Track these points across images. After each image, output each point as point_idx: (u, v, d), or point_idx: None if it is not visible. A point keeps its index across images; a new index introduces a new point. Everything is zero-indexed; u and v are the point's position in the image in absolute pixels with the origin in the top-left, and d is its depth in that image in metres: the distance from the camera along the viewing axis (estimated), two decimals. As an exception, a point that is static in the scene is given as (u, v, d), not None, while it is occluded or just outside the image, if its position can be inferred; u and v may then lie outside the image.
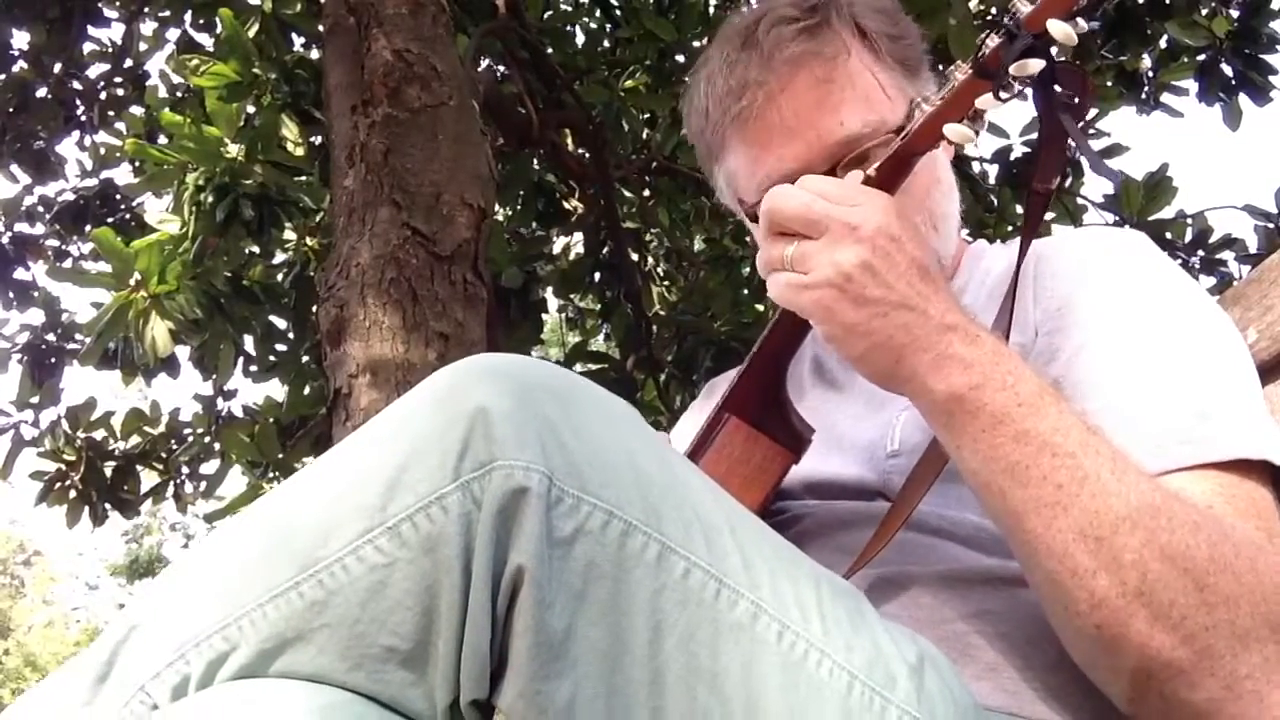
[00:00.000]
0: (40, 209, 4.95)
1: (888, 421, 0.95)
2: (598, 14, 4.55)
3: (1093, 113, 4.30)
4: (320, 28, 3.16)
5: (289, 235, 3.84)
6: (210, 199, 3.27)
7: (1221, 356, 0.86)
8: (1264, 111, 4.15)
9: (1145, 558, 0.70)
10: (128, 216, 4.74)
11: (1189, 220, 4.13)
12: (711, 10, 4.36)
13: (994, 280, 1.02)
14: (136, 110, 4.70)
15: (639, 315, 4.29)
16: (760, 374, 0.95)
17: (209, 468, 4.59)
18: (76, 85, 4.81)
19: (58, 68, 4.59)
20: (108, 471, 4.34)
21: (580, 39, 4.57)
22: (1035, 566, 0.75)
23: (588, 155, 4.29)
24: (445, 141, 2.53)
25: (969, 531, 0.88)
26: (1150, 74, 4.35)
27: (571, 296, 5.19)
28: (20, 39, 4.63)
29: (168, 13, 4.47)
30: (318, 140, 3.63)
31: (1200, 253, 4.09)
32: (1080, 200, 4.26)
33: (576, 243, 5.20)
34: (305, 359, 4.15)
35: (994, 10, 3.96)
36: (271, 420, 4.16)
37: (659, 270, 5.23)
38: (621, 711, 0.62)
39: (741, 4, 4.55)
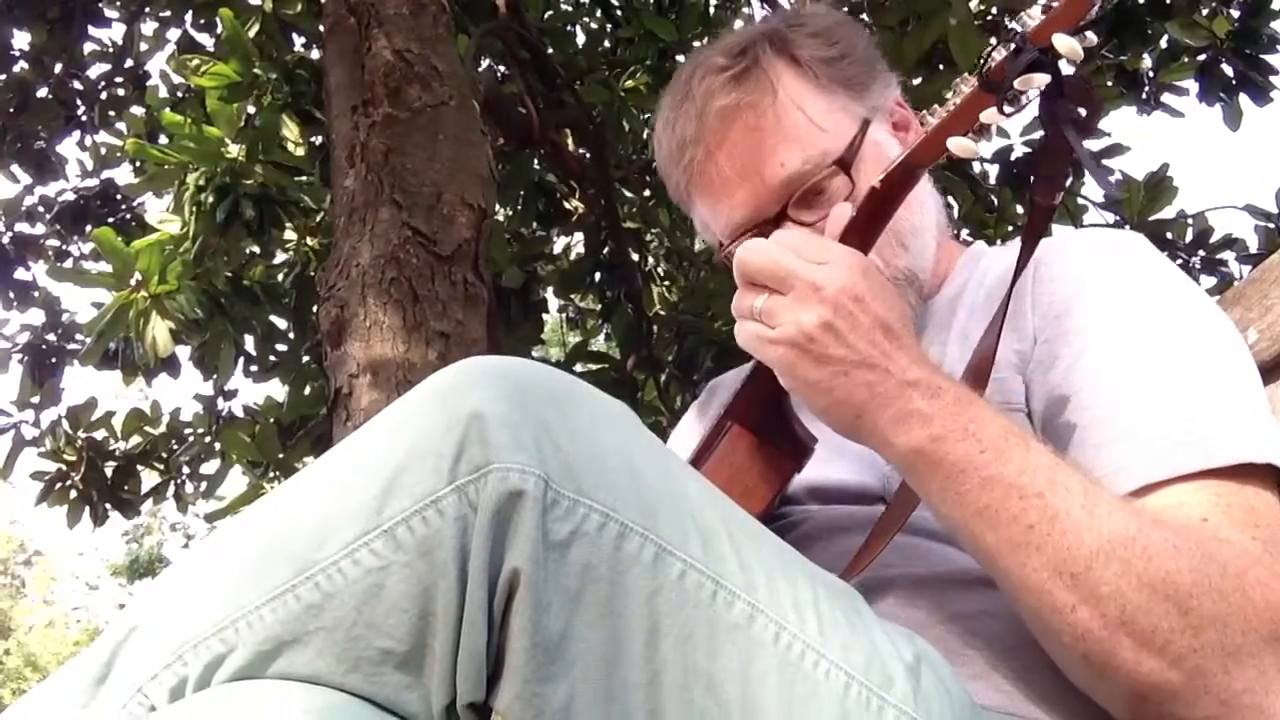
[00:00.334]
0: (40, 209, 4.95)
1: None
2: (598, 14, 4.55)
3: (1093, 113, 4.30)
4: (320, 28, 3.16)
5: (289, 235, 3.84)
6: (210, 199, 3.27)
7: (1222, 360, 0.86)
8: (1264, 111, 4.15)
9: (1123, 588, 0.71)
10: (128, 216, 4.74)
11: (1189, 220, 4.13)
12: (711, 10, 4.36)
13: (993, 280, 1.02)
14: (137, 110, 4.70)
15: (639, 315, 4.29)
16: (763, 383, 0.95)
17: (209, 468, 4.59)
18: (77, 85, 4.80)
19: (58, 68, 4.59)
20: (108, 471, 4.34)
21: (580, 39, 4.56)
22: (1018, 602, 0.76)
23: (588, 155, 4.29)
24: (445, 141, 2.52)
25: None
26: (1150, 74, 4.34)
27: (572, 296, 5.19)
28: (20, 39, 4.64)
29: (168, 13, 4.47)
30: (318, 140, 3.63)
31: (1200, 253, 4.09)
32: (1080, 200, 4.26)
33: (576, 243, 5.21)
34: (305, 359, 4.15)
35: (994, 11, 3.96)
36: (272, 420, 4.16)
37: (659, 270, 5.23)
38: (619, 713, 0.62)
39: (741, 4, 4.55)
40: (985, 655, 0.82)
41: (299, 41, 4.11)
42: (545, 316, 4.80)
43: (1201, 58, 4.12)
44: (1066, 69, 0.76)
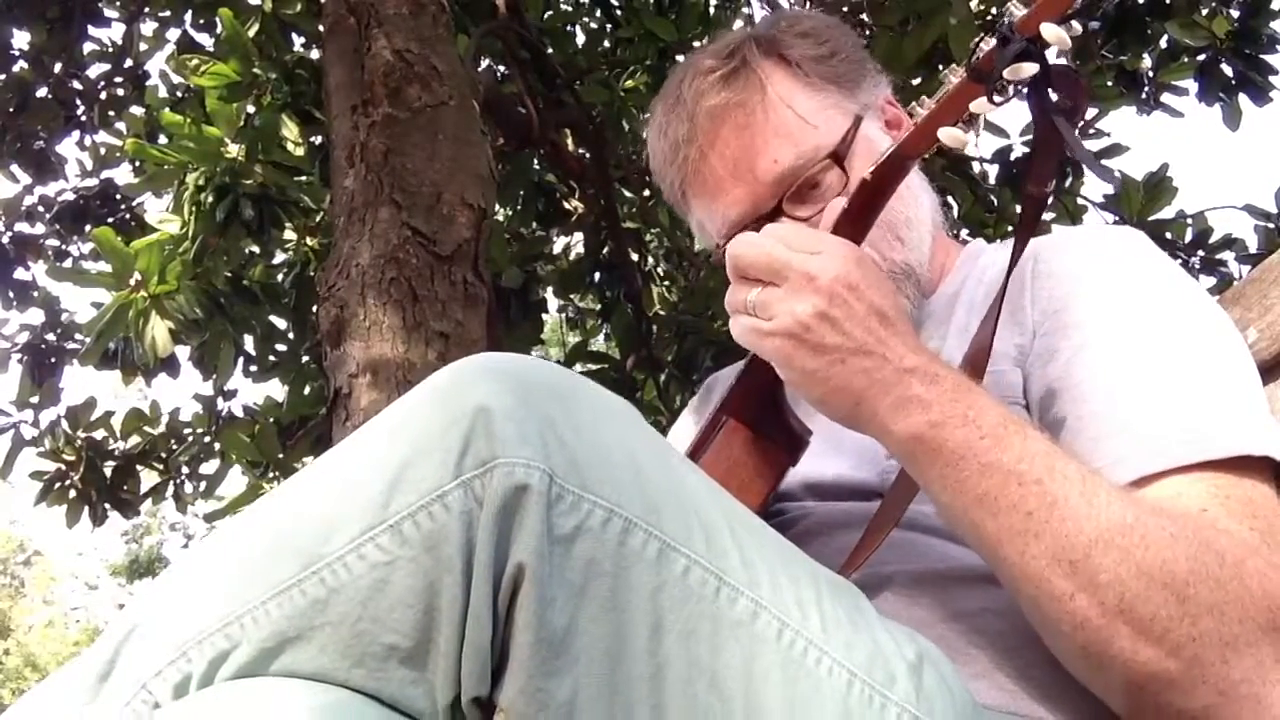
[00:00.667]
0: (40, 209, 4.95)
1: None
2: (598, 14, 4.55)
3: (1093, 113, 4.30)
4: (320, 28, 3.16)
5: (289, 235, 3.84)
6: (210, 199, 3.27)
7: (1220, 355, 0.86)
8: (1264, 111, 4.15)
9: (1121, 576, 0.71)
10: (128, 216, 4.74)
11: (1189, 220, 4.13)
12: (711, 10, 4.36)
13: (992, 277, 1.02)
14: (136, 110, 4.70)
15: (639, 315, 4.29)
16: (758, 377, 0.95)
17: (209, 468, 4.59)
18: (76, 85, 4.80)
19: (58, 68, 4.59)
20: (108, 471, 4.34)
21: (580, 39, 4.57)
22: (1017, 591, 0.76)
23: (588, 155, 4.29)
24: (445, 141, 2.53)
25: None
26: (1150, 74, 4.34)
27: (571, 296, 5.20)
28: (20, 39, 4.64)
29: (168, 13, 4.47)
30: (318, 140, 3.62)
31: (1200, 253, 4.09)
32: (1080, 200, 4.26)
33: (576, 243, 5.21)
34: (305, 359, 4.15)
35: (994, 10, 3.96)
36: (271, 420, 4.16)
37: (659, 270, 5.23)
38: (622, 708, 0.62)
39: (741, 4, 4.55)
40: (987, 654, 0.82)
41: (299, 41, 4.11)
42: (545, 316, 4.80)
43: (1201, 58, 4.12)
44: (1055, 59, 0.76)
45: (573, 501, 0.62)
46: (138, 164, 4.21)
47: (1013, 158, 4.16)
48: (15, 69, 4.57)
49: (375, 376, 2.27)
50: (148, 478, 4.49)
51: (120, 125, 4.83)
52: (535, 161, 4.43)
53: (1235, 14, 4.09)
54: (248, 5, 3.83)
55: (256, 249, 3.87)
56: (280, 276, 4.06)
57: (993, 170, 4.32)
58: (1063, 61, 0.77)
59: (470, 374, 0.65)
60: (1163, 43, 4.27)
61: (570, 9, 4.71)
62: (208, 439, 4.49)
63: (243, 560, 0.64)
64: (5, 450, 4.37)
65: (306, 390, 4.18)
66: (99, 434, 4.36)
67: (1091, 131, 4.31)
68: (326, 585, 0.61)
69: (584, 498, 0.63)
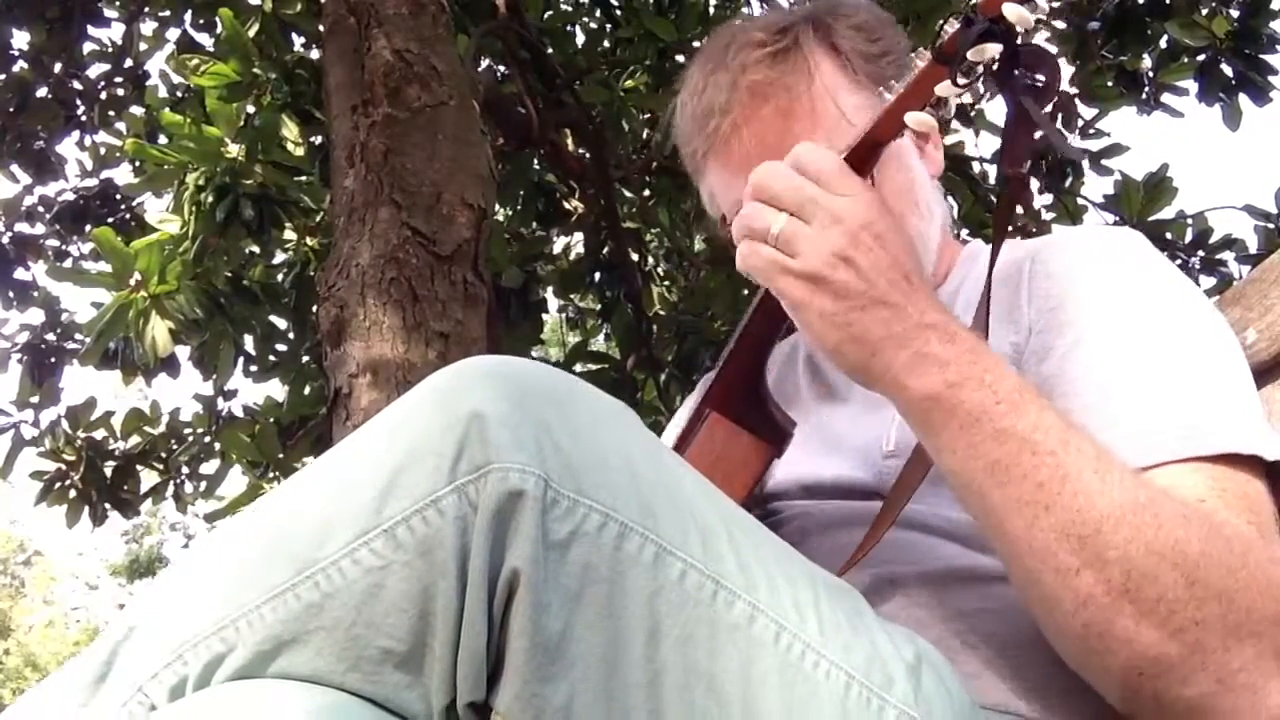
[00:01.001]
0: (40, 209, 4.94)
1: (884, 422, 0.95)
2: (598, 14, 4.55)
3: (1093, 113, 4.31)
4: (320, 28, 3.16)
5: (289, 235, 3.83)
6: (210, 199, 3.27)
7: (1214, 354, 0.86)
8: (1264, 111, 4.14)
9: (1130, 554, 0.70)
10: (128, 216, 4.74)
11: (1189, 220, 4.13)
12: (711, 10, 4.36)
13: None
14: (136, 110, 4.70)
15: (639, 315, 4.29)
16: (738, 368, 0.95)
17: (209, 468, 4.59)
18: (76, 85, 4.80)
19: (58, 68, 4.58)
20: (108, 471, 4.34)
21: (580, 39, 4.56)
22: (1019, 566, 0.75)
23: (588, 155, 4.29)
24: (445, 141, 2.53)
25: (966, 530, 0.88)
26: (1150, 74, 4.34)
27: (571, 296, 5.19)
28: (20, 39, 4.63)
29: (168, 13, 4.47)
30: (318, 140, 3.62)
31: (1200, 253, 4.09)
32: (1080, 200, 4.26)
33: (576, 243, 5.20)
34: (305, 359, 4.15)
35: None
36: (271, 420, 4.16)
37: (659, 270, 5.23)
38: (619, 714, 0.62)
39: (741, 4, 4.55)
40: (985, 654, 0.82)
41: (299, 41, 4.11)
42: (545, 316, 4.80)
43: (1201, 58, 4.12)
44: (1025, 39, 0.76)
45: (568, 506, 0.62)
46: (138, 164, 4.21)
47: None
48: (15, 69, 4.57)
49: (375, 376, 2.28)
50: (148, 478, 4.49)
51: (120, 125, 4.83)
52: (535, 161, 4.42)
53: (1235, 14, 4.09)
54: (248, 5, 3.83)
55: (256, 249, 3.87)
56: (280, 276, 4.06)
57: (993, 170, 4.32)
58: (1036, 42, 0.76)
59: (466, 378, 0.65)
60: (1163, 43, 4.27)
61: (570, 9, 4.71)
62: (208, 439, 4.49)
63: (239, 563, 0.64)
64: (5, 450, 4.37)
65: (306, 390, 4.18)
66: (99, 434, 4.36)
67: (1092, 131, 4.31)
68: (321, 589, 0.61)
69: (579, 502, 0.63)
